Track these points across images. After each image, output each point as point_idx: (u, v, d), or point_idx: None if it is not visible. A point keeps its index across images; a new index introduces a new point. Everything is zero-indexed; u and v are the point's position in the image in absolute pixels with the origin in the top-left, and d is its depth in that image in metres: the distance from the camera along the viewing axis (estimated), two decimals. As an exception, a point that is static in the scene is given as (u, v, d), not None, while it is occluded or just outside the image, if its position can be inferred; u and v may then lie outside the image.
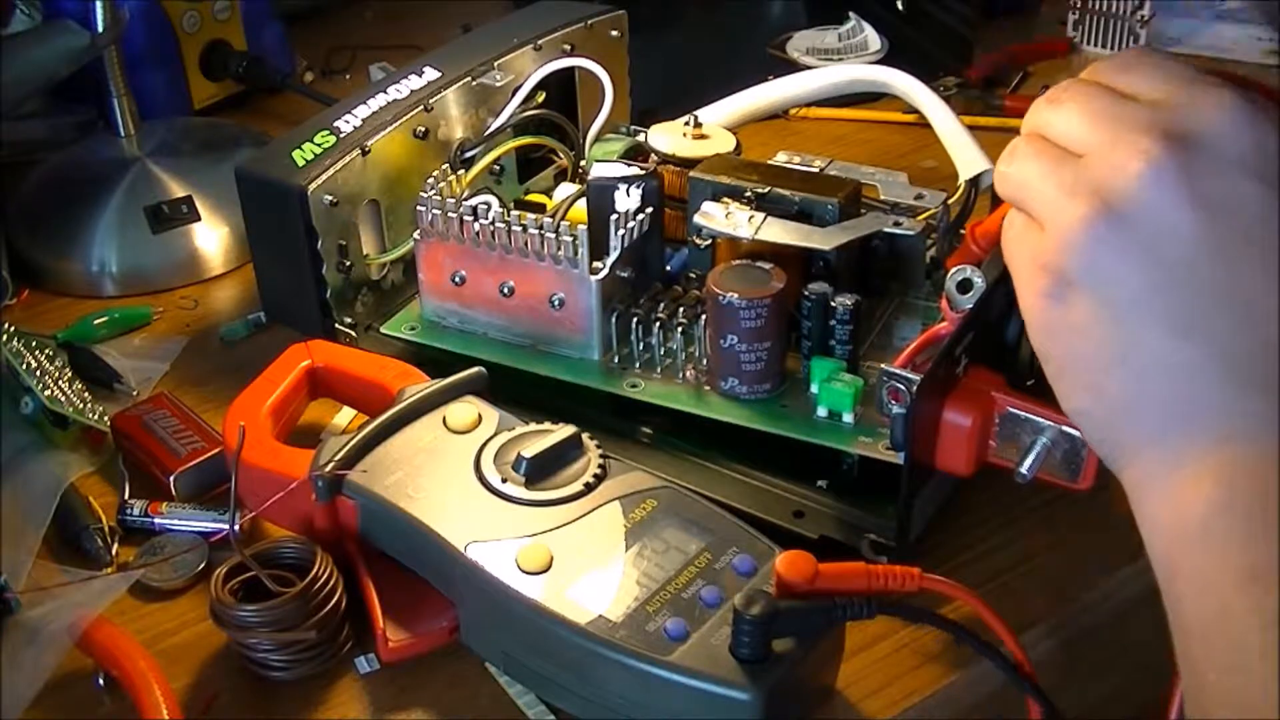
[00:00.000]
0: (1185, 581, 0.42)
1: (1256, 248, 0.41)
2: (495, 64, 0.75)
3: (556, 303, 0.64)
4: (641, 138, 0.74)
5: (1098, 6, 1.05)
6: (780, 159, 0.74)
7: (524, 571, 0.51)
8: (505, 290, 0.65)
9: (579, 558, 0.52)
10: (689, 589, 0.51)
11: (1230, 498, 0.41)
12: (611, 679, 0.49)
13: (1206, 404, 0.42)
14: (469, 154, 0.72)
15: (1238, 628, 0.40)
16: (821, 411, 0.60)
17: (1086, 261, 0.43)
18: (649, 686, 0.48)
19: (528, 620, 0.51)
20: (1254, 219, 0.41)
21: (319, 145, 0.68)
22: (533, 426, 0.57)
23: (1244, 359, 0.41)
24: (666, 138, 0.72)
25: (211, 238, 0.83)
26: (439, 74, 0.73)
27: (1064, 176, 0.43)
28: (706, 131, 0.72)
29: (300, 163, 0.67)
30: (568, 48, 0.77)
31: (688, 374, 0.63)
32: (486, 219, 0.64)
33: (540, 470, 0.55)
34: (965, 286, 0.55)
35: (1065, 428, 0.51)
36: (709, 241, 0.65)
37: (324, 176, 0.66)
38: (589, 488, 0.55)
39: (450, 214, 0.65)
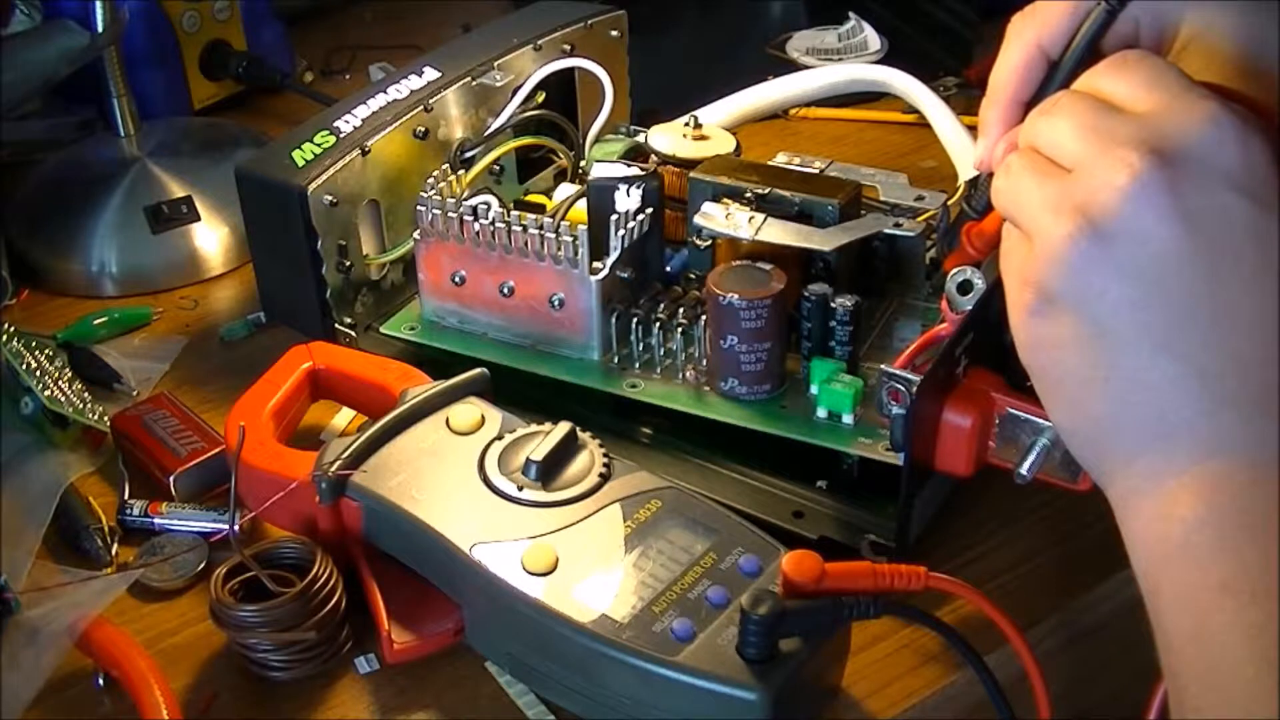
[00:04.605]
0: (1167, 595, 0.42)
1: (1240, 263, 0.41)
2: (495, 64, 0.75)
3: (556, 303, 0.64)
4: (641, 138, 0.74)
5: (1096, 6, 1.05)
6: (780, 160, 0.74)
7: (529, 572, 0.51)
8: (505, 290, 0.65)
9: (584, 558, 0.52)
10: (695, 589, 0.51)
11: (1209, 513, 0.41)
12: (618, 679, 0.49)
13: (1186, 421, 0.42)
14: (469, 154, 0.72)
15: (1216, 640, 0.40)
16: (821, 412, 0.60)
17: (1069, 279, 0.43)
18: (656, 687, 0.49)
19: (533, 621, 0.51)
20: (1239, 235, 0.41)
21: (319, 145, 0.68)
22: (534, 428, 0.57)
23: (1223, 376, 0.41)
24: (666, 138, 0.72)
25: (211, 238, 0.83)
26: (439, 74, 0.73)
27: (1050, 192, 0.43)
28: (706, 132, 0.72)
29: (300, 163, 0.67)
30: (567, 48, 0.77)
31: (688, 374, 0.63)
32: (486, 219, 0.64)
33: (548, 472, 0.55)
34: (965, 288, 0.55)
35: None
36: (709, 242, 0.65)
37: (324, 176, 0.66)
38: (594, 489, 0.55)
39: (450, 214, 0.65)
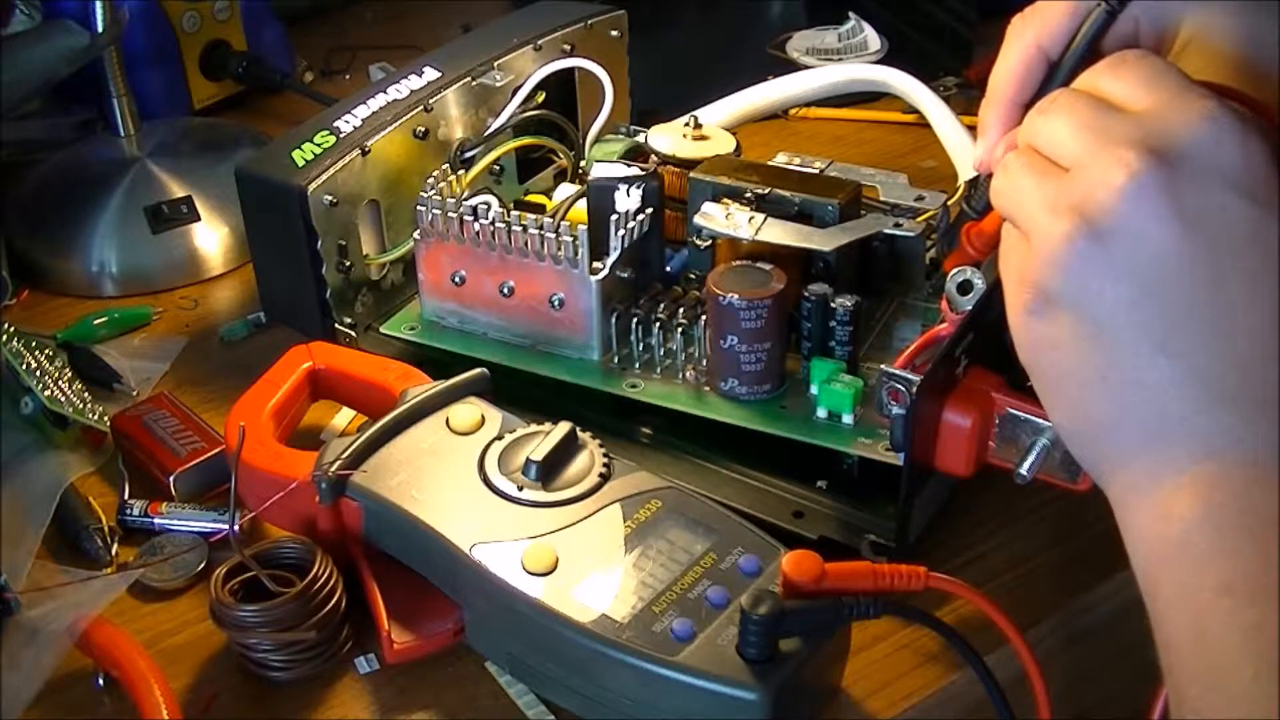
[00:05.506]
0: (1166, 595, 0.42)
1: (1238, 263, 0.41)
2: (495, 64, 0.75)
3: (556, 303, 0.64)
4: (641, 138, 0.74)
5: (1096, 6, 1.05)
6: (780, 160, 0.74)
7: (529, 572, 0.51)
8: (505, 290, 0.65)
9: (584, 558, 0.52)
10: (695, 589, 0.51)
11: (1208, 513, 0.41)
12: (618, 679, 0.49)
13: (1185, 421, 0.42)
14: (469, 154, 0.72)
15: (1216, 639, 0.40)
16: (821, 412, 0.60)
17: (1067, 279, 0.42)
18: (656, 687, 0.49)
19: (533, 621, 0.51)
20: (1237, 234, 0.41)
21: (319, 145, 0.68)
22: (534, 428, 0.57)
23: (1222, 376, 0.41)
24: (666, 138, 0.72)
25: (211, 238, 0.83)
26: (439, 74, 0.73)
27: (1048, 191, 0.43)
28: (706, 132, 0.72)
29: (300, 163, 0.67)
30: (568, 48, 0.77)
31: (687, 374, 0.63)
32: (486, 219, 0.64)
33: (548, 472, 0.55)
34: (965, 288, 0.55)
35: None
36: (709, 242, 0.65)
37: (324, 176, 0.66)
38: (594, 489, 0.55)
39: (450, 214, 0.65)
